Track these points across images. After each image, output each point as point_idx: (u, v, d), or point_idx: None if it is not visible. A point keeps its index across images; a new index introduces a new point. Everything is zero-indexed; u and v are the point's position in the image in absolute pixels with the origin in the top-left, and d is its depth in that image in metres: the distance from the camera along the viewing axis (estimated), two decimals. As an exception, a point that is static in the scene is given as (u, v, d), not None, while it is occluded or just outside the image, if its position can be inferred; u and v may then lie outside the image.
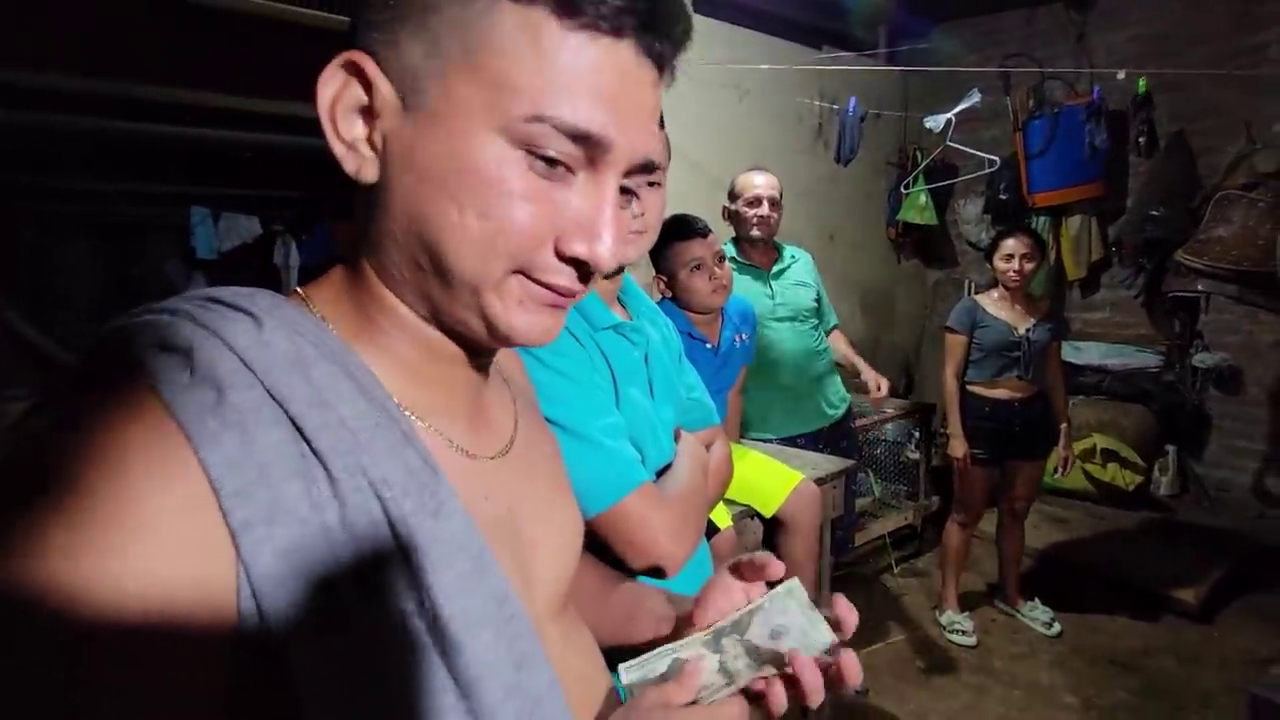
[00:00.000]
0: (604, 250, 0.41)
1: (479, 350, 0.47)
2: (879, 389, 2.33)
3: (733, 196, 2.24)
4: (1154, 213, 3.41)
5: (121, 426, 0.32)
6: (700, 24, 3.13)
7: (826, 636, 0.54)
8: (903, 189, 3.94)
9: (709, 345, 1.71)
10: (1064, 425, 2.55)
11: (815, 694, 0.51)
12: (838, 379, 2.39)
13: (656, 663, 0.55)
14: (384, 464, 0.37)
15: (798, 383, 2.26)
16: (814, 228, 3.78)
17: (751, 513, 1.71)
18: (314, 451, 0.35)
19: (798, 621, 0.56)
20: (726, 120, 3.27)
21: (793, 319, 2.25)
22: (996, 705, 2.23)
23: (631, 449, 0.83)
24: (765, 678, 0.52)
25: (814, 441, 2.27)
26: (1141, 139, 3.45)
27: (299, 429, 0.35)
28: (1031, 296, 2.51)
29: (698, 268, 1.60)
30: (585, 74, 0.38)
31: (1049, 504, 3.43)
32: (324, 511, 0.34)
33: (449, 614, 0.37)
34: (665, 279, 1.66)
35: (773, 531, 1.69)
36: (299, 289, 0.45)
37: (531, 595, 0.50)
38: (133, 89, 2.15)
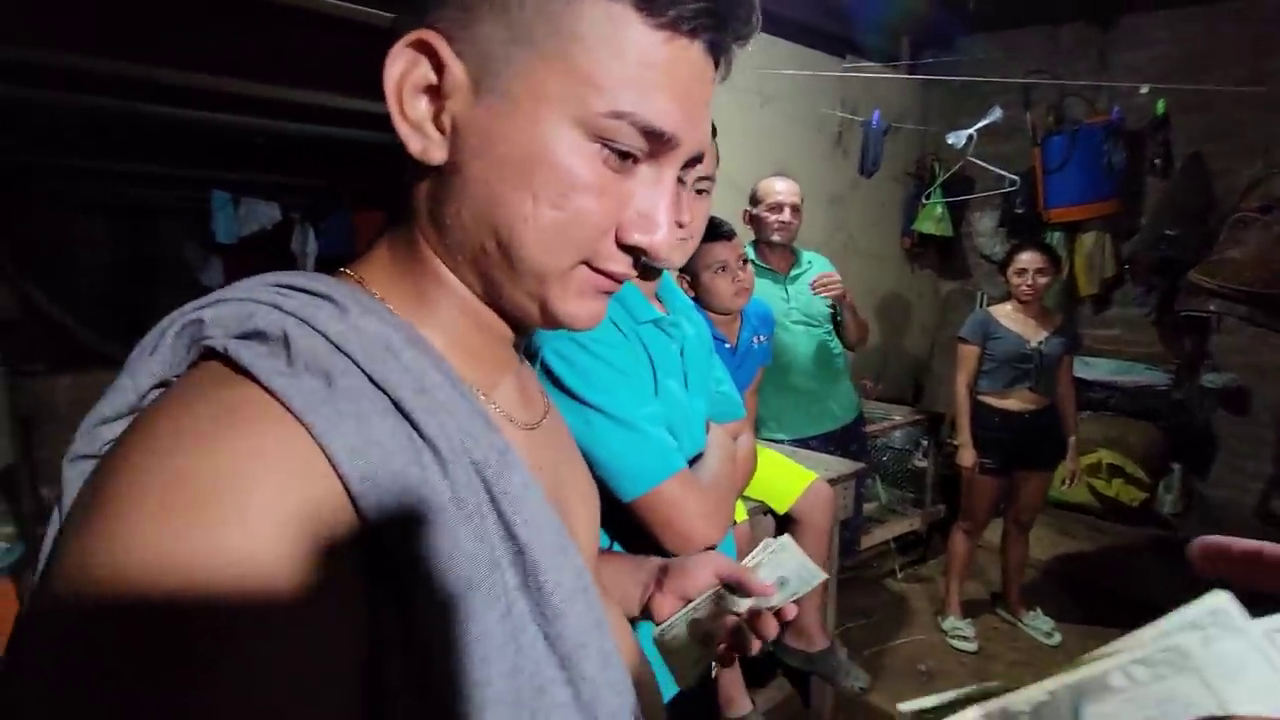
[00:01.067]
0: (661, 239, 0.42)
1: (524, 329, 0.48)
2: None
3: (754, 201, 2.28)
4: (1168, 232, 3.44)
5: (241, 421, 0.31)
6: (726, 29, 3.17)
7: (819, 574, 0.69)
8: (922, 200, 3.97)
9: (728, 345, 1.75)
10: (1073, 438, 2.58)
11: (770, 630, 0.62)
12: (849, 383, 2.43)
13: (680, 622, 0.65)
14: (480, 443, 0.38)
15: (811, 385, 2.30)
16: (831, 235, 3.81)
17: (765, 509, 1.75)
18: (422, 436, 0.36)
19: (794, 568, 0.68)
20: (748, 126, 3.31)
21: (807, 323, 2.29)
22: (996, 710, 2.27)
23: (670, 437, 0.88)
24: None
25: (825, 444, 2.30)
26: (1158, 160, 3.47)
27: (404, 414, 0.36)
28: (1045, 310, 2.54)
29: (722, 269, 1.63)
30: (662, 72, 0.39)
31: (1053, 516, 3.45)
32: (440, 493, 0.35)
33: (550, 586, 0.38)
34: (689, 279, 1.70)
35: (784, 529, 1.73)
36: (348, 270, 0.45)
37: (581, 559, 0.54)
38: (159, 73, 2.15)
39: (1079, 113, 3.72)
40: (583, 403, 0.82)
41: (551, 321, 0.44)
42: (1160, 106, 3.36)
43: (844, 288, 2.25)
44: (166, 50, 2.09)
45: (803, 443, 2.28)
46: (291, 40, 2.18)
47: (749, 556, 0.72)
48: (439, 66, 0.39)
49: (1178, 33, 3.55)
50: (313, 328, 0.36)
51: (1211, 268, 3.14)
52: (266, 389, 0.33)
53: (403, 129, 0.40)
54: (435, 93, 0.40)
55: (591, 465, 0.78)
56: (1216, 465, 3.67)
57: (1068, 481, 2.58)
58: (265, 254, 4.64)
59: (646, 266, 0.91)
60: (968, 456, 2.52)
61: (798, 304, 2.29)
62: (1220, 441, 3.64)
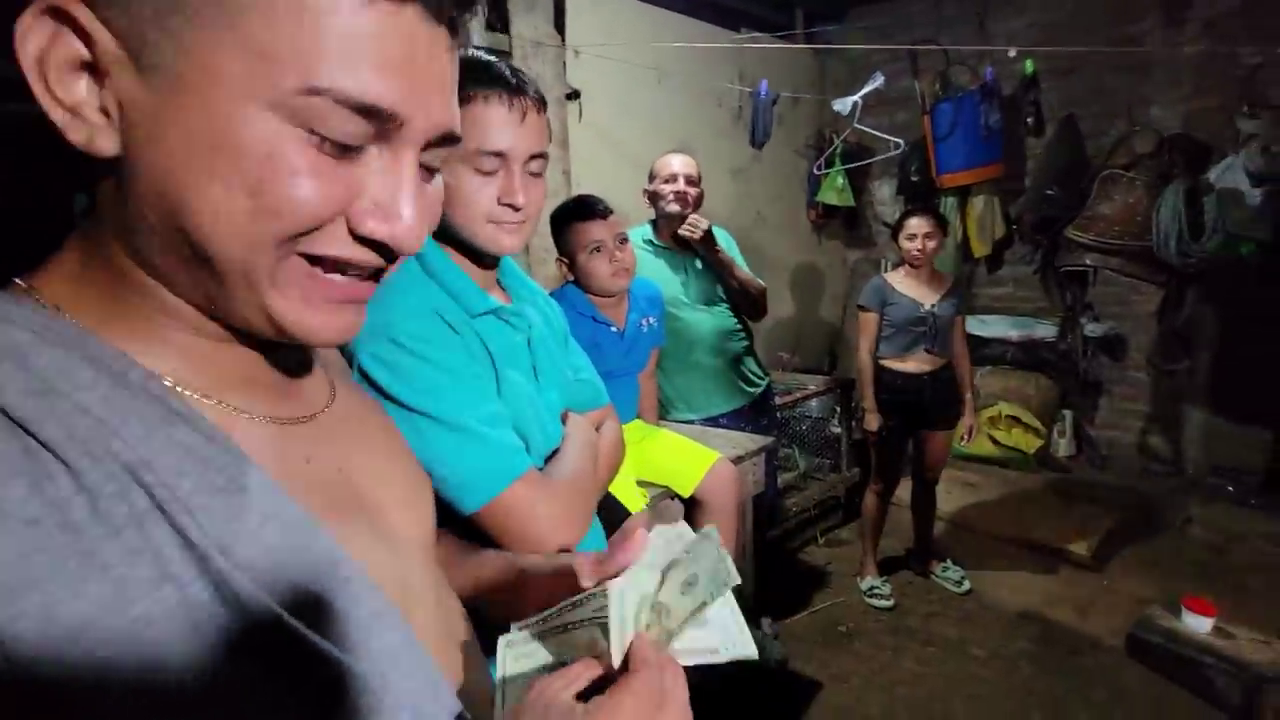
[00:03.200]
0: (404, 229, 0.38)
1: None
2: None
3: (651, 177, 2.24)
4: (1048, 192, 3.63)
5: None
6: (616, 3, 3.09)
7: (734, 578, 0.48)
8: (816, 170, 4.04)
9: (614, 328, 1.70)
10: (969, 395, 2.69)
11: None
12: (755, 358, 2.43)
13: (537, 645, 0.51)
14: (143, 446, 0.34)
15: (715, 363, 2.29)
16: (739, 210, 3.83)
17: (672, 493, 1.73)
18: (41, 444, 0.31)
19: (710, 565, 0.50)
20: (647, 102, 3.26)
21: (707, 300, 2.27)
22: (912, 662, 2.36)
23: (514, 436, 0.81)
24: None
25: (735, 420, 2.30)
26: (1030, 119, 3.64)
27: (16, 423, 0.31)
28: (936, 273, 2.62)
29: (597, 250, 1.58)
30: (365, 40, 0.34)
31: (960, 469, 3.62)
32: (67, 509, 0.31)
33: (255, 587, 0.34)
34: (566, 261, 1.63)
35: (690, 511, 1.71)
36: (18, 279, 0.39)
37: (398, 554, 0.48)
38: None
39: (964, 81, 3.86)
40: (408, 409, 0.74)
41: (287, 334, 0.39)
42: (1029, 66, 3.52)
43: (706, 226, 2.12)
44: None
45: (713, 421, 2.27)
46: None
47: (656, 531, 0.56)
48: (88, 40, 0.33)
49: (1049, 1, 3.74)
50: None
51: (1085, 223, 3.34)
52: None
53: (55, 114, 0.34)
54: (95, 71, 0.34)
55: (431, 478, 0.72)
56: (1102, 409, 3.94)
57: (966, 437, 2.69)
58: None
59: (480, 253, 0.85)
60: (873, 421, 2.58)
61: (698, 280, 2.27)
62: (1104, 386, 3.92)
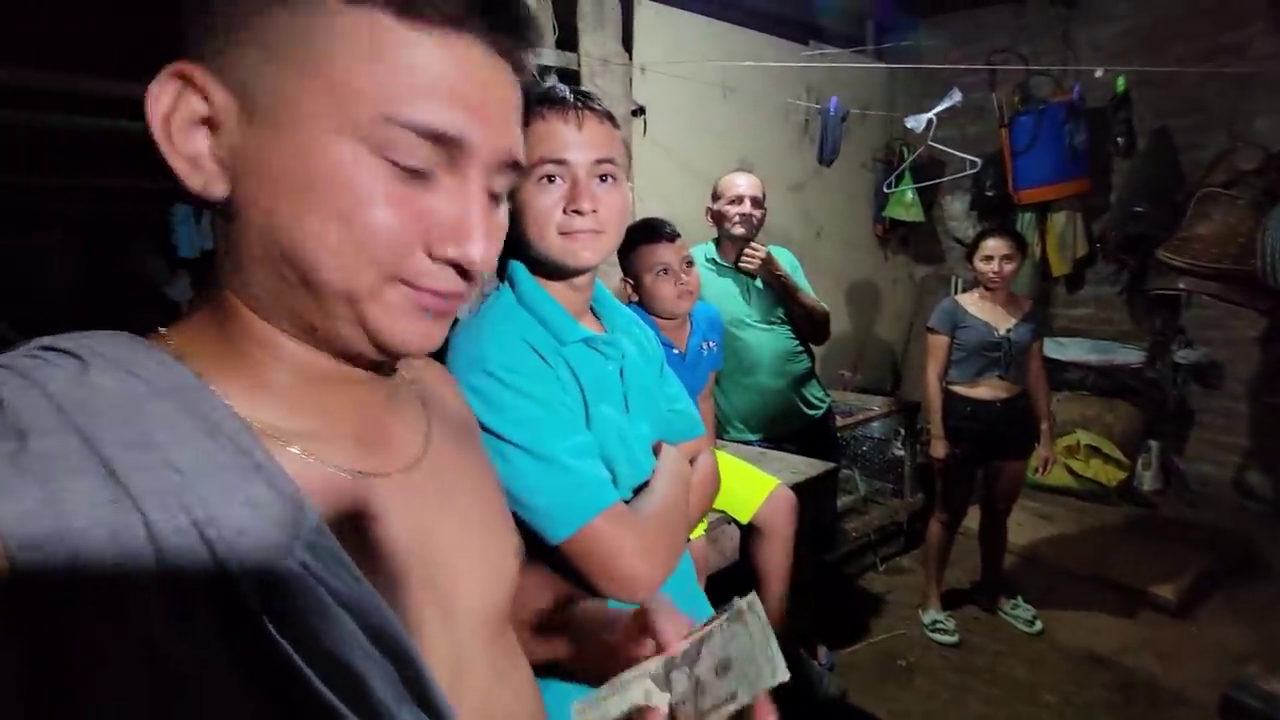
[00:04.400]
0: (475, 251, 0.41)
1: (367, 365, 0.46)
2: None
3: (715, 197, 2.23)
4: (1137, 209, 3.42)
5: None
6: (683, 19, 3.11)
7: (775, 674, 0.44)
8: (886, 187, 3.93)
9: (676, 351, 1.70)
10: (1045, 425, 2.55)
11: None
12: (817, 380, 2.38)
13: (609, 705, 0.48)
14: (216, 502, 0.35)
15: (776, 384, 2.25)
16: (802, 224, 3.77)
17: (728, 518, 1.71)
18: (128, 494, 0.33)
19: (746, 650, 0.46)
20: (712, 118, 3.25)
21: (770, 321, 2.24)
22: (977, 703, 2.25)
23: (601, 469, 0.81)
24: None
25: (794, 443, 2.26)
26: (1120, 139, 3.45)
27: (113, 472, 0.33)
28: (1013, 296, 2.51)
29: (664, 272, 1.58)
30: (432, 73, 0.38)
31: (1033, 500, 3.44)
32: (138, 557, 0.32)
33: (299, 653, 0.34)
34: (631, 283, 1.64)
35: (748, 538, 1.69)
36: (161, 328, 0.43)
37: (454, 626, 0.48)
38: (111, 86, 2.14)
39: (1045, 92, 3.68)
40: (500, 439, 0.75)
41: (383, 348, 0.43)
42: (1120, 84, 3.33)
43: (765, 255, 2.11)
44: (118, 62, 2.06)
45: (772, 443, 2.24)
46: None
47: (709, 624, 0.50)
48: (206, 97, 0.38)
49: (1140, 5, 3.53)
50: (36, 387, 0.34)
51: (1180, 245, 3.12)
52: None
53: (178, 165, 0.39)
54: (211, 124, 0.39)
55: (516, 508, 0.73)
56: (1193, 441, 3.68)
57: (1040, 469, 2.56)
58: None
59: (564, 271, 0.84)
60: (940, 448, 2.49)
61: (760, 303, 2.24)
62: (1196, 417, 3.65)
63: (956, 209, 4.27)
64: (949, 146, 3.28)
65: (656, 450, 0.92)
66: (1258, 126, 3.24)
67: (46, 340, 0.38)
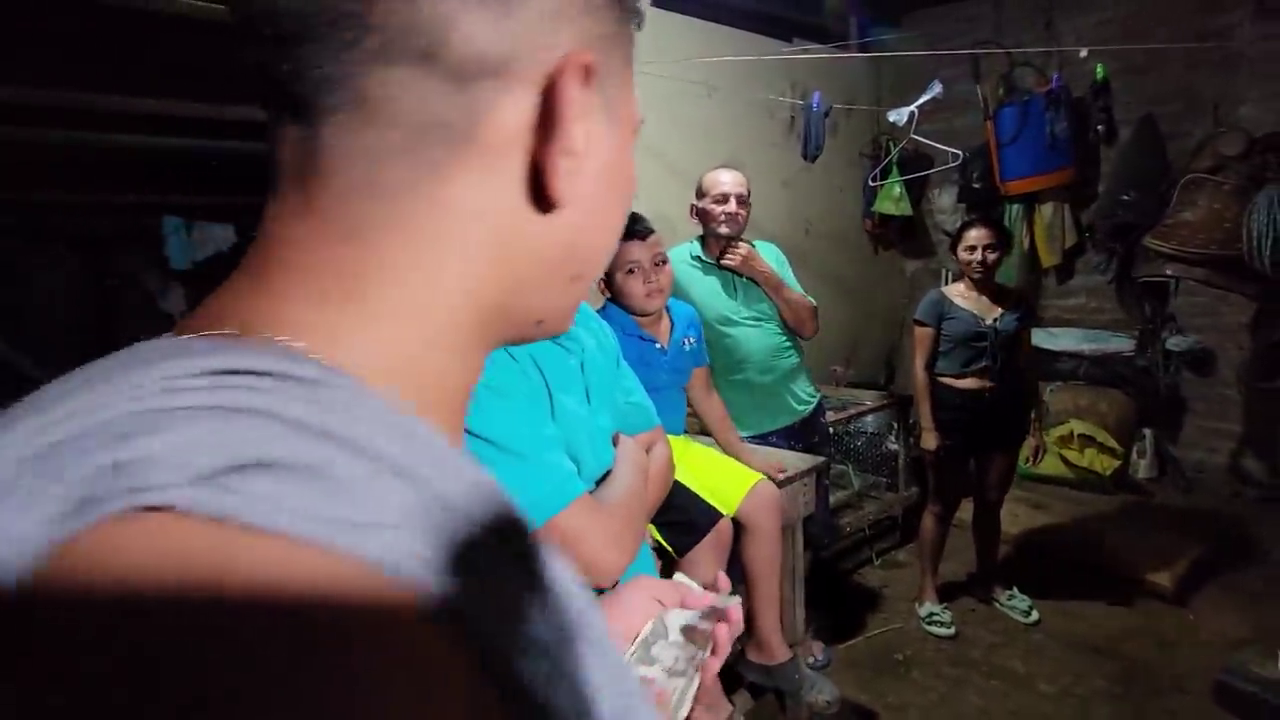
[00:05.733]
0: None
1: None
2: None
3: (700, 194, 2.23)
4: (1124, 197, 3.43)
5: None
6: (667, 19, 3.11)
7: (729, 601, 0.60)
8: (870, 181, 3.94)
9: (658, 346, 1.71)
10: (1033, 414, 2.55)
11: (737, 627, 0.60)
12: (806, 375, 2.38)
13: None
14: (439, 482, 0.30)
15: (765, 380, 2.25)
16: (790, 221, 3.77)
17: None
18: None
19: (666, 651, 0.59)
20: (697, 117, 3.26)
21: (757, 317, 2.24)
22: (974, 696, 2.24)
23: (567, 461, 0.83)
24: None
25: (784, 438, 2.26)
26: (1100, 126, 3.45)
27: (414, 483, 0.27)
28: (999, 286, 2.51)
29: (631, 271, 1.58)
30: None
31: (1028, 490, 3.44)
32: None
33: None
34: (604, 280, 1.65)
35: (735, 534, 1.68)
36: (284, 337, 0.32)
37: None
38: (98, 100, 2.14)
39: (1030, 83, 3.69)
40: (468, 433, 0.76)
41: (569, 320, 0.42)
42: (1100, 72, 3.33)
43: (746, 251, 2.11)
44: (108, 76, 2.07)
45: (762, 439, 2.24)
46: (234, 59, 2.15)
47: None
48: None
49: (1122, -6, 3.54)
50: (350, 439, 0.25)
51: (1166, 231, 3.13)
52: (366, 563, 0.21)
53: (565, 164, 0.32)
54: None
55: None
56: (1186, 428, 3.68)
57: (1032, 458, 2.56)
58: (224, 278, 4.55)
59: None
60: (930, 440, 2.49)
61: (747, 298, 2.24)
62: (1188, 404, 3.65)
63: (944, 202, 4.28)
64: (936, 140, 3.29)
65: (615, 441, 0.94)
66: (1242, 112, 3.25)
67: (223, 363, 0.25)
